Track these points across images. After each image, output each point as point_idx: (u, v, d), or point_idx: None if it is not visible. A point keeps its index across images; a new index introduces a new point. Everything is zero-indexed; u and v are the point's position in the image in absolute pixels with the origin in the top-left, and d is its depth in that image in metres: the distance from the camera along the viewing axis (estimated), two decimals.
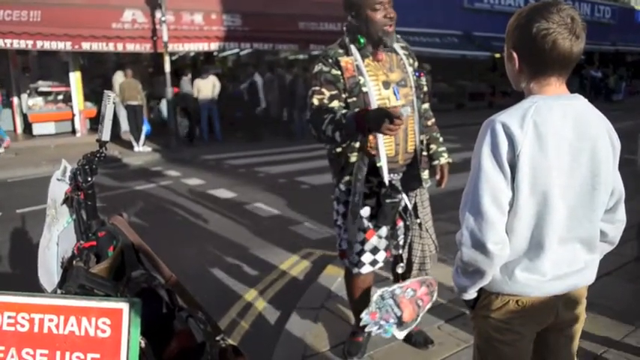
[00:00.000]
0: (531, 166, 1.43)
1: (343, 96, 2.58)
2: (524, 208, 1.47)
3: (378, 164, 2.58)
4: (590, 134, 1.49)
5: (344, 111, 2.50)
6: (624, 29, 25.79)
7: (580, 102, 1.53)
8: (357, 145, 2.59)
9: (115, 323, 1.54)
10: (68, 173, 2.11)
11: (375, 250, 2.72)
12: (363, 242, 2.70)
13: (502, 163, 1.44)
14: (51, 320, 1.55)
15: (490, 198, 1.44)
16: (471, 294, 1.61)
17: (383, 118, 2.24)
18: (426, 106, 2.92)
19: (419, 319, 2.69)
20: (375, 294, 2.65)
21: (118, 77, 12.03)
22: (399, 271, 2.83)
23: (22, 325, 1.55)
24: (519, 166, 1.43)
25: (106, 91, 1.98)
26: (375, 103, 2.54)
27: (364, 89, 2.56)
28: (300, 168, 9.11)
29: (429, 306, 2.76)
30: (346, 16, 2.67)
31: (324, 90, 2.58)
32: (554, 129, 1.45)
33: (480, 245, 1.45)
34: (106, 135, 1.97)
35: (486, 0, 20.54)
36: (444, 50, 17.83)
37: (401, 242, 2.77)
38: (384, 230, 2.72)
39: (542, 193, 1.46)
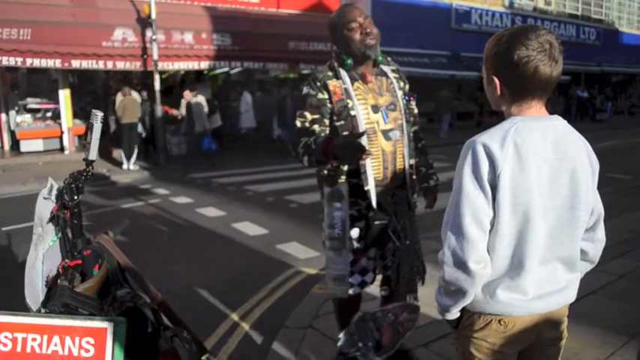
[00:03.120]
0: (512, 186, 1.46)
1: (326, 121, 2.60)
2: (505, 227, 1.49)
3: (365, 187, 2.58)
4: (570, 155, 1.52)
5: (321, 134, 2.52)
6: (609, 50, 26.28)
7: (559, 123, 1.56)
8: (345, 168, 2.61)
9: (99, 343, 1.53)
10: (54, 191, 2.11)
11: (363, 272, 2.72)
12: (352, 264, 2.70)
13: (483, 183, 1.47)
14: (34, 340, 1.54)
15: (471, 217, 1.46)
16: (454, 314, 1.62)
17: (349, 151, 2.25)
18: (416, 128, 2.93)
19: (397, 345, 2.66)
20: (357, 315, 2.63)
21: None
22: (383, 293, 2.83)
23: (5, 345, 1.54)
24: (500, 185, 1.45)
25: (93, 110, 2.00)
26: (363, 127, 2.55)
27: (352, 113, 2.57)
28: (289, 186, 9.12)
29: (409, 333, 2.72)
30: (330, 40, 2.71)
31: (306, 113, 2.59)
32: (534, 149, 1.48)
33: (461, 264, 1.47)
34: (92, 154, 1.98)
35: (473, 21, 20.87)
36: (432, 70, 18.03)
37: (389, 263, 2.77)
38: (372, 252, 2.72)
39: (523, 213, 1.48)
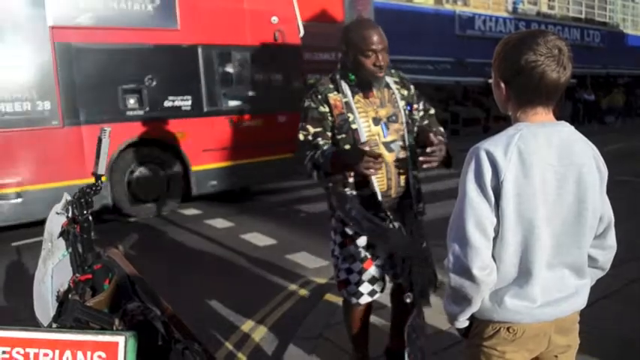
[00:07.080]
0: (516, 192, 1.45)
1: (328, 133, 2.61)
2: (511, 234, 1.48)
3: (379, 198, 2.58)
4: (576, 160, 1.51)
5: (325, 147, 2.54)
6: (614, 52, 26.21)
7: (565, 128, 1.54)
8: (351, 180, 2.61)
9: (110, 357, 1.53)
10: (68, 207, 2.12)
11: (373, 280, 2.71)
12: (361, 272, 2.69)
13: (486, 189, 1.46)
14: (46, 355, 1.54)
15: (474, 224, 1.46)
16: (462, 322, 1.61)
17: (360, 157, 2.30)
18: (432, 112, 2.84)
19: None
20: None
21: None
22: (407, 300, 2.77)
23: None
24: (503, 192, 1.45)
25: (102, 125, 2.02)
26: (364, 140, 2.55)
27: (353, 126, 2.58)
28: (297, 196, 9.12)
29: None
30: (340, 49, 2.69)
31: (308, 127, 2.61)
32: (538, 156, 1.46)
33: (465, 271, 1.46)
34: (101, 168, 2.00)
35: (477, 27, 20.89)
36: (437, 77, 18.05)
37: (399, 271, 2.75)
38: (381, 259, 2.71)
39: (527, 220, 1.47)
